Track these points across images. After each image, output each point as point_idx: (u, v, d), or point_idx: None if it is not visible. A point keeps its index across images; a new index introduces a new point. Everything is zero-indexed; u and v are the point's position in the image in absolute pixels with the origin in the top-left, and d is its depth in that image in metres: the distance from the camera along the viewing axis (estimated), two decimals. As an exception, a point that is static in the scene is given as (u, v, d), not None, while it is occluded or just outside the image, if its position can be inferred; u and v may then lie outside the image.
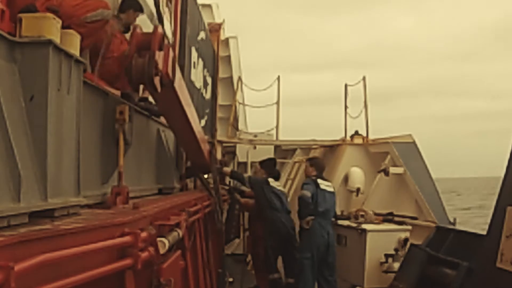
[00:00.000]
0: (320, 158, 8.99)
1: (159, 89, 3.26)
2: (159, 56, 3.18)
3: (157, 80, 3.16)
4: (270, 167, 8.21)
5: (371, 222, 7.61)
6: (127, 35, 4.16)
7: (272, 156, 12.29)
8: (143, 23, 4.96)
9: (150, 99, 4.87)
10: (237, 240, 10.57)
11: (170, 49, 3.43)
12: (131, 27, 4.54)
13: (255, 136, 11.49)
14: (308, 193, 7.21)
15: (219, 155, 10.18)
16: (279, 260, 7.75)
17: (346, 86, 10.75)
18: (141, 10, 4.47)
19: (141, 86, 4.79)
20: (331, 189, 7.53)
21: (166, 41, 3.34)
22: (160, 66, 3.20)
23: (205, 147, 5.72)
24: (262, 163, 8.35)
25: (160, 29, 3.24)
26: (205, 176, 6.33)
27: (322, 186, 7.38)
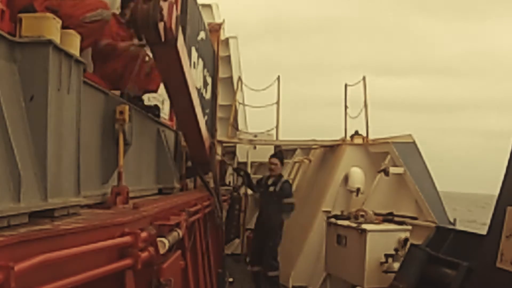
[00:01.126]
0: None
1: (163, 37, 3.22)
2: (164, 4, 3.16)
3: (161, 26, 3.14)
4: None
5: (371, 222, 7.61)
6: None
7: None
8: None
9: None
10: (237, 240, 10.57)
11: (174, 7, 3.40)
12: None
13: (255, 136, 11.48)
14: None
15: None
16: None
17: (346, 86, 10.75)
18: None
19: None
20: None
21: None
22: (165, 14, 3.18)
23: (206, 138, 5.66)
24: (278, 156, 8.58)
25: None
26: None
27: None
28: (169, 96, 4.68)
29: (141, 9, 3.05)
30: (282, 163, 8.45)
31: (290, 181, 11.50)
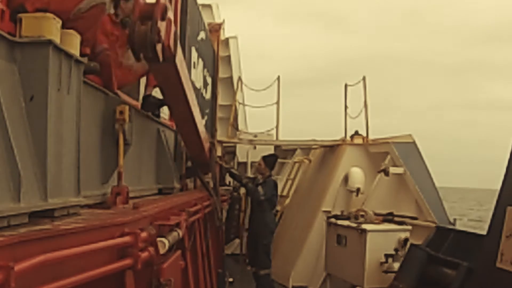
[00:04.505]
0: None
1: (160, 58, 3.23)
2: (161, 25, 3.16)
3: (159, 47, 3.15)
4: (272, 164, 8.35)
5: (371, 222, 7.61)
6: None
7: (272, 155, 12.30)
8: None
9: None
10: (237, 240, 10.57)
11: (173, 24, 3.40)
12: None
13: (255, 136, 11.49)
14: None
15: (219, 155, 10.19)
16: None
17: (346, 86, 10.75)
18: None
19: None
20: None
21: (168, 15, 3.30)
22: (163, 35, 3.19)
23: (205, 140, 5.67)
24: (265, 158, 8.47)
25: (162, 0, 3.21)
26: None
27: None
28: (168, 106, 4.71)
29: (139, 31, 3.03)
30: (268, 165, 8.33)
31: (290, 181, 11.52)
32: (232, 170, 8.70)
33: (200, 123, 5.25)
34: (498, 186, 4.83)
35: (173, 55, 3.42)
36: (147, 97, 4.65)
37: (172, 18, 3.36)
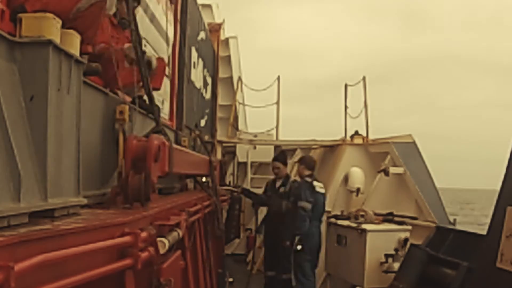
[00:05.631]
0: (310, 156, 8.94)
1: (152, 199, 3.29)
2: (155, 168, 3.15)
3: (154, 196, 3.18)
4: (284, 159, 8.32)
5: (371, 222, 7.62)
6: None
7: (272, 155, 12.31)
8: (140, 19, 4.95)
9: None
10: (237, 240, 10.58)
11: (167, 147, 3.43)
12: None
13: (255, 136, 11.49)
14: (309, 206, 7.25)
15: (219, 155, 10.19)
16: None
17: (346, 86, 10.76)
18: (138, 1, 4.40)
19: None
20: (323, 191, 7.61)
21: (162, 143, 3.34)
22: (156, 179, 3.21)
23: (205, 163, 5.75)
24: (277, 158, 8.40)
25: (156, 140, 3.20)
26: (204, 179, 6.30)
27: (317, 189, 7.41)
28: None
29: (132, 182, 2.98)
30: (285, 164, 8.25)
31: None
32: (247, 191, 8.66)
33: (202, 165, 5.45)
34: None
35: (170, 172, 3.52)
36: (139, 97, 4.65)
37: (166, 149, 3.39)
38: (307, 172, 7.58)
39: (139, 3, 4.38)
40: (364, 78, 10.71)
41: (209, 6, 12.98)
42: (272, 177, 8.43)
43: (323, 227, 8.12)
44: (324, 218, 8.38)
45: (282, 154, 8.78)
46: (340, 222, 7.87)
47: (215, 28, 10.87)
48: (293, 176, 10.42)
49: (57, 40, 2.23)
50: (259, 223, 8.58)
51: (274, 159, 8.42)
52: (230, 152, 12.59)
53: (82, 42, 2.64)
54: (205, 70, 8.39)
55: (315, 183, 7.45)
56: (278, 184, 8.11)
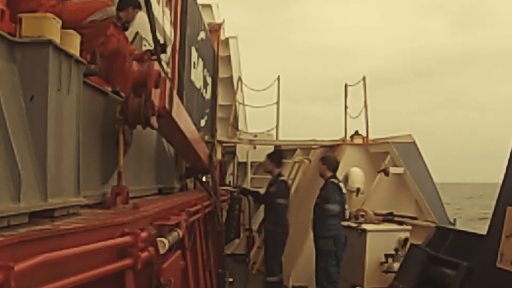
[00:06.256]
0: (334, 156, 8.64)
1: (156, 127, 3.27)
2: (155, 94, 3.14)
3: (154, 120, 3.16)
4: (278, 159, 8.16)
5: (371, 222, 7.62)
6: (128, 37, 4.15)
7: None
8: (142, 19, 4.96)
9: None
10: (237, 240, 10.58)
11: (167, 81, 3.41)
12: (130, 24, 4.54)
13: (255, 136, 11.49)
14: (337, 208, 7.05)
15: (219, 155, 10.19)
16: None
17: (346, 86, 10.76)
18: (139, 7, 4.45)
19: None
20: (345, 190, 7.42)
21: (163, 74, 3.32)
22: (157, 103, 3.19)
23: (205, 153, 5.72)
24: (269, 155, 8.26)
25: (156, 66, 3.20)
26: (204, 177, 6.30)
27: (343, 190, 7.28)
28: (167, 141, 4.77)
29: (132, 104, 3.00)
30: (274, 161, 8.01)
31: (290, 181, 11.50)
32: (247, 190, 8.63)
33: (201, 149, 5.38)
34: None
35: (169, 111, 3.45)
36: None
37: (167, 83, 3.36)
38: (329, 173, 7.36)
39: (140, 9, 4.42)
40: (364, 78, 10.71)
41: (209, 6, 12.99)
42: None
43: None
44: None
45: (276, 153, 8.56)
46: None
47: (215, 28, 10.87)
48: (288, 175, 10.39)
49: (57, 40, 2.23)
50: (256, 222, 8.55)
51: (267, 155, 8.29)
52: (230, 152, 12.59)
53: (85, 50, 2.70)
54: (205, 70, 8.39)
55: (341, 184, 7.30)
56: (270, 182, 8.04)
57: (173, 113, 3.61)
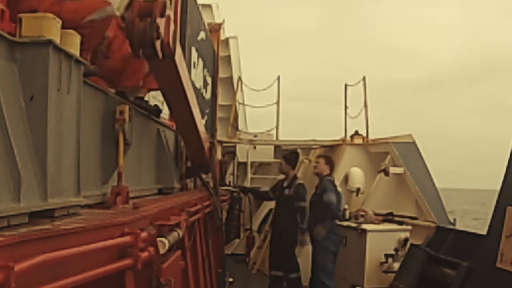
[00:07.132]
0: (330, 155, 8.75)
1: (160, 55, 3.21)
2: (160, 22, 3.15)
3: (158, 44, 3.13)
4: (294, 162, 8.19)
5: (371, 222, 7.62)
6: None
7: (272, 155, 12.29)
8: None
9: (145, 98, 4.86)
10: (237, 240, 10.58)
11: (172, 22, 3.38)
12: None
13: (255, 136, 11.49)
14: (334, 198, 7.15)
15: (219, 155, 10.19)
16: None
17: (346, 86, 10.77)
18: None
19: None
20: (340, 189, 7.51)
21: (167, 12, 3.29)
22: (162, 31, 3.17)
23: (205, 140, 5.67)
24: (285, 157, 8.23)
25: None
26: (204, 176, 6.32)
27: (338, 189, 7.37)
28: (168, 105, 4.70)
29: (137, 27, 3.02)
30: (290, 163, 8.01)
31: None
32: (247, 188, 8.67)
33: (200, 123, 5.25)
34: None
35: (172, 52, 3.41)
36: (141, 99, 4.65)
37: (171, 16, 3.35)
38: (328, 172, 7.48)
39: None
40: (364, 78, 10.72)
41: (209, 6, 12.98)
42: (278, 177, 8.41)
43: None
44: None
45: (291, 154, 8.49)
46: (340, 222, 7.87)
47: (215, 28, 10.86)
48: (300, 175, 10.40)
49: (57, 40, 2.23)
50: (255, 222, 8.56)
51: (283, 157, 8.25)
52: (230, 152, 12.58)
53: (85, 50, 2.69)
54: (205, 70, 8.38)
55: (336, 182, 7.39)
56: (285, 184, 7.98)
57: (176, 58, 3.52)
